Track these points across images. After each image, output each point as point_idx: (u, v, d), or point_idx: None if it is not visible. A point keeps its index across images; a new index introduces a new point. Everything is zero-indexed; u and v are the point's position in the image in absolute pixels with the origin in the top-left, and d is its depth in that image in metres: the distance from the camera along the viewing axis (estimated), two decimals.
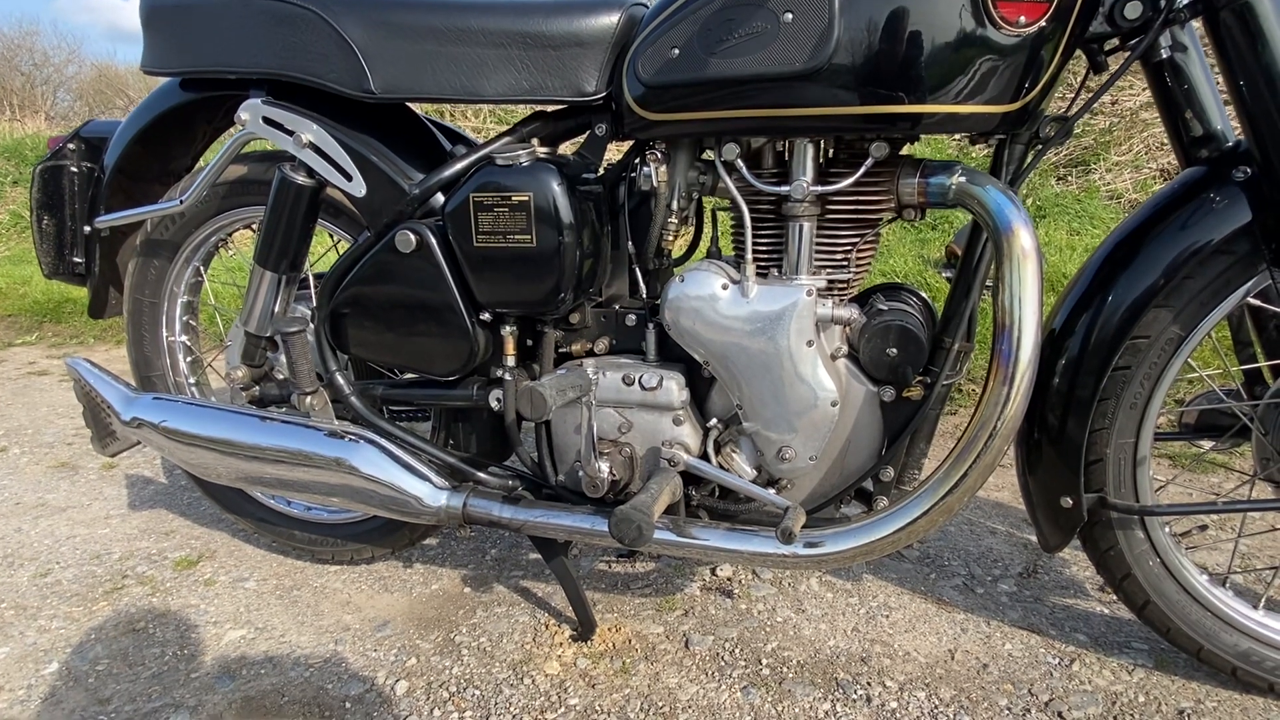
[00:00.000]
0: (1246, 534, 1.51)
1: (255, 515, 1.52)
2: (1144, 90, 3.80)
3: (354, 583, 1.47)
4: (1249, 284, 0.97)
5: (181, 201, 1.28)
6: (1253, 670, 1.08)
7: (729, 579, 1.44)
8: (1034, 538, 1.24)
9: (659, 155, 1.07)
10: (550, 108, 1.16)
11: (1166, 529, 1.09)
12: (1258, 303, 1.04)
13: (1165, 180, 3.48)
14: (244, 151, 1.27)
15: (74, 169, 1.40)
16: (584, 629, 1.27)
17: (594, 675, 1.20)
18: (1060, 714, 1.09)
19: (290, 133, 1.16)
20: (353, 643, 1.30)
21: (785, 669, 1.20)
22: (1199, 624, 1.09)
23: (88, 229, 1.41)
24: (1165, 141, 3.61)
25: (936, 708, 1.11)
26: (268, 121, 1.17)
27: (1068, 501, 1.07)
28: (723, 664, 1.21)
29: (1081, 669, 1.18)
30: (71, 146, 1.41)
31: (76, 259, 1.44)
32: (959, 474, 0.97)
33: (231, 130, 1.23)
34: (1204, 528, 1.31)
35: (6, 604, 1.43)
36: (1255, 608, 1.09)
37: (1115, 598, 1.16)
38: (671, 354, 1.13)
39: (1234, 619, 1.08)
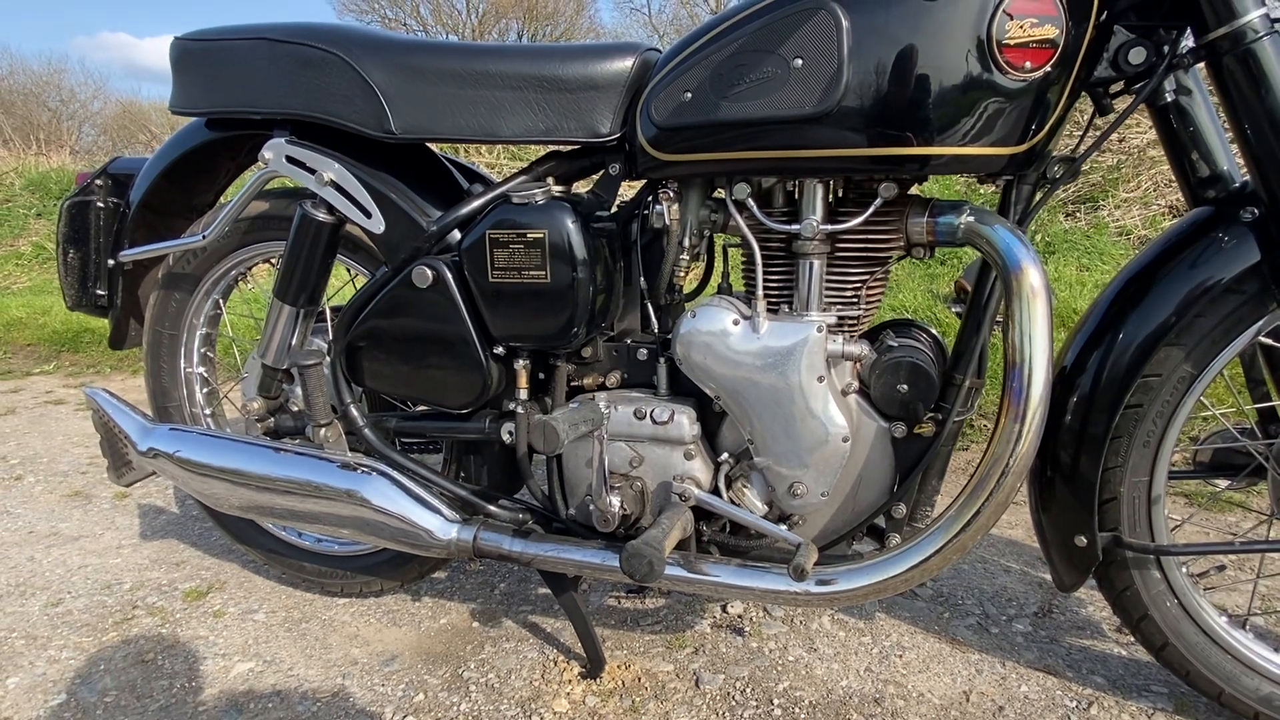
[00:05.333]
0: (1266, 574, 1.48)
1: (266, 546, 1.52)
2: (1151, 128, 3.83)
3: (362, 616, 1.47)
4: (1260, 323, 0.97)
5: (204, 236, 1.31)
6: (1275, 715, 1.06)
7: (740, 616, 1.43)
8: (1049, 577, 1.23)
9: (671, 194, 1.09)
10: (565, 148, 1.19)
11: (1184, 569, 1.07)
12: (1269, 342, 1.04)
13: (1174, 217, 3.49)
14: (265, 188, 1.30)
15: (100, 204, 1.44)
16: (593, 666, 1.26)
17: (603, 713, 1.18)
18: None
19: (312, 171, 1.19)
20: (360, 677, 1.29)
21: (797, 709, 1.18)
22: (1219, 667, 1.07)
23: (111, 262, 1.44)
24: (1174, 178, 3.63)
25: None
26: (290, 160, 1.20)
27: (1082, 540, 1.06)
28: (734, 703, 1.20)
29: (1100, 712, 1.16)
30: (99, 182, 1.44)
31: (99, 291, 1.47)
32: (972, 511, 0.97)
33: (255, 168, 1.27)
34: (1222, 568, 1.29)
35: (17, 633, 1.44)
36: (1277, 650, 1.07)
37: (1133, 639, 1.14)
38: (683, 388, 1.14)
39: (1255, 662, 1.06)
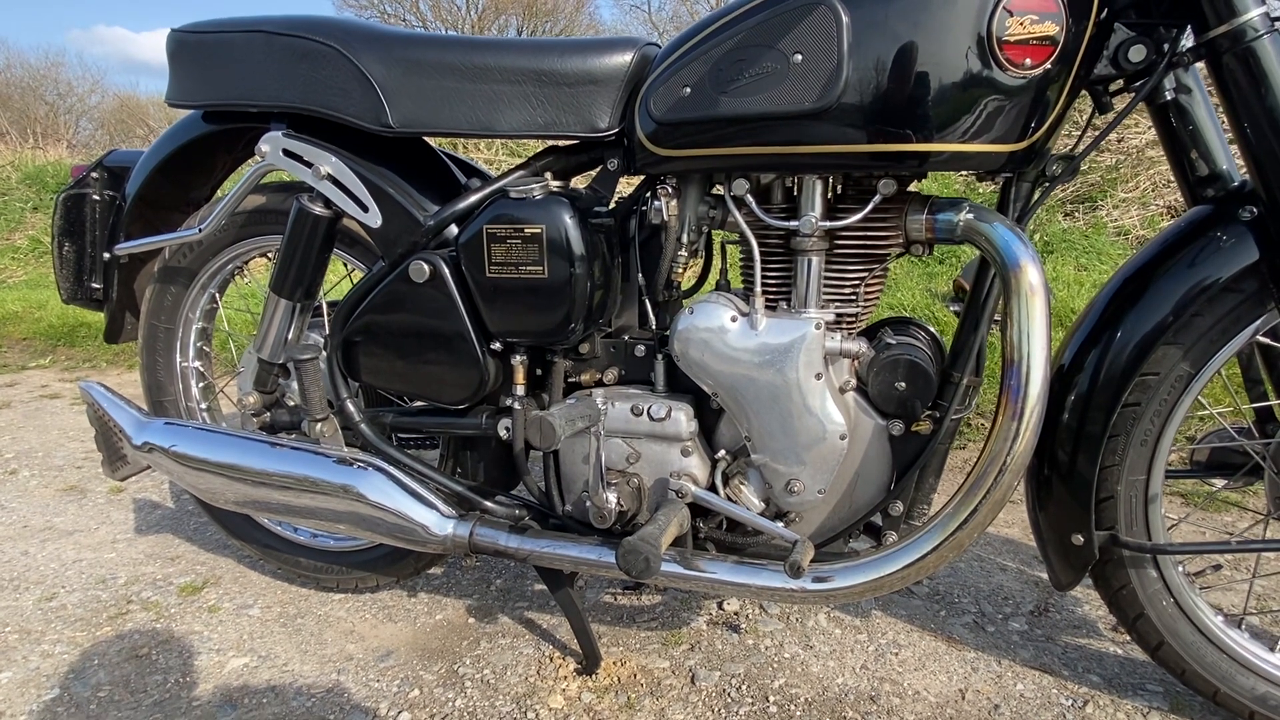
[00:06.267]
0: (1262, 574, 1.48)
1: (261, 541, 1.52)
2: (1150, 128, 3.83)
3: (358, 611, 1.46)
4: (1258, 322, 0.97)
5: (200, 230, 1.30)
6: (1270, 715, 1.06)
7: (736, 613, 1.43)
8: (1045, 575, 1.23)
9: (669, 189, 1.09)
10: (563, 143, 1.18)
11: (1180, 568, 1.08)
12: (1267, 341, 1.04)
13: (1172, 217, 3.50)
14: (262, 182, 1.30)
15: (96, 197, 1.43)
16: (589, 662, 1.26)
17: (598, 710, 1.18)
18: None
19: (309, 164, 1.19)
20: (355, 673, 1.29)
21: (793, 706, 1.18)
22: (1214, 666, 1.07)
23: (107, 256, 1.44)
24: (1172, 179, 3.63)
25: None
26: (287, 154, 1.20)
27: (1079, 539, 1.06)
28: (729, 700, 1.20)
29: (1095, 711, 1.16)
30: (95, 175, 1.44)
31: (95, 285, 1.46)
32: (969, 509, 0.96)
33: (251, 161, 1.26)
34: (1218, 567, 1.29)
35: (11, 628, 1.43)
36: (1272, 650, 1.07)
37: (1129, 638, 1.14)
38: (680, 385, 1.14)
39: (1250, 662, 1.06)
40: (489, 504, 1.22)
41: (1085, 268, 3.21)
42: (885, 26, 0.90)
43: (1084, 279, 2.98)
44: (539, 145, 1.24)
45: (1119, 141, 3.91)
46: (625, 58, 1.08)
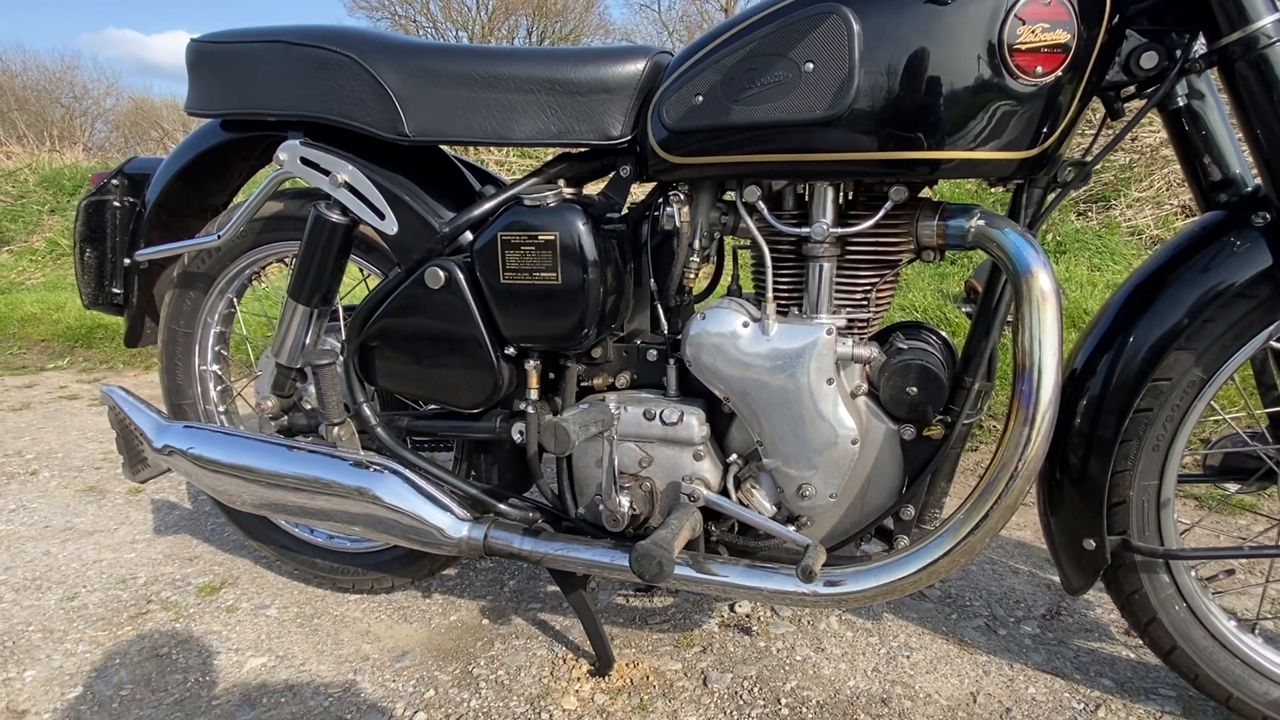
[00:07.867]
0: (1276, 579, 1.47)
1: (278, 543, 1.54)
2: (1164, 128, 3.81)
3: (374, 612, 1.48)
4: (1271, 327, 0.97)
5: (219, 236, 1.32)
6: None
7: (748, 616, 1.43)
8: (1057, 579, 1.23)
9: (681, 196, 1.10)
10: (576, 150, 1.19)
11: (1193, 573, 1.08)
12: None
13: (1187, 216, 3.47)
14: (280, 189, 1.32)
15: (116, 204, 1.46)
16: (602, 664, 1.27)
17: (611, 711, 1.19)
18: None
19: (326, 172, 1.20)
20: (372, 673, 1.30)
21: (805, 709, 1.19)
22: (1227, 671, 1.07)
23: (127, 261, 1.46)
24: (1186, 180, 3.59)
25: None
26: (305, 162, 1.21)
27: (1090, 543, 1.06)
28: (741, 702, 1.21)
29: (1107, 715, 1.16)
30: (115, 182, 1.46)
31: (115, 290, 1.49)
32: (980, 514, 0.97)
33: (269, 168, 1.28)
34: (1231, 572, 1.29)
35: (34, 627, 1.46)
36: None
37: (1141, 642, 1.14)
38: (692, 389, 1.15)
39: (1264, 666, 1.06)
40: (503, 507, 1.24)
41: (1099, 268, 3.19)
42: (896, 35, 0.90)
43: (1097, 279, 2.96)
44: (552, 152, 1.25)
45: (1133, 141, 3.89)
46: (638, 66, 1.09)
